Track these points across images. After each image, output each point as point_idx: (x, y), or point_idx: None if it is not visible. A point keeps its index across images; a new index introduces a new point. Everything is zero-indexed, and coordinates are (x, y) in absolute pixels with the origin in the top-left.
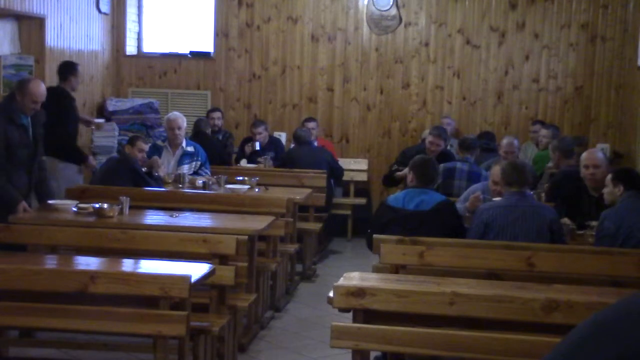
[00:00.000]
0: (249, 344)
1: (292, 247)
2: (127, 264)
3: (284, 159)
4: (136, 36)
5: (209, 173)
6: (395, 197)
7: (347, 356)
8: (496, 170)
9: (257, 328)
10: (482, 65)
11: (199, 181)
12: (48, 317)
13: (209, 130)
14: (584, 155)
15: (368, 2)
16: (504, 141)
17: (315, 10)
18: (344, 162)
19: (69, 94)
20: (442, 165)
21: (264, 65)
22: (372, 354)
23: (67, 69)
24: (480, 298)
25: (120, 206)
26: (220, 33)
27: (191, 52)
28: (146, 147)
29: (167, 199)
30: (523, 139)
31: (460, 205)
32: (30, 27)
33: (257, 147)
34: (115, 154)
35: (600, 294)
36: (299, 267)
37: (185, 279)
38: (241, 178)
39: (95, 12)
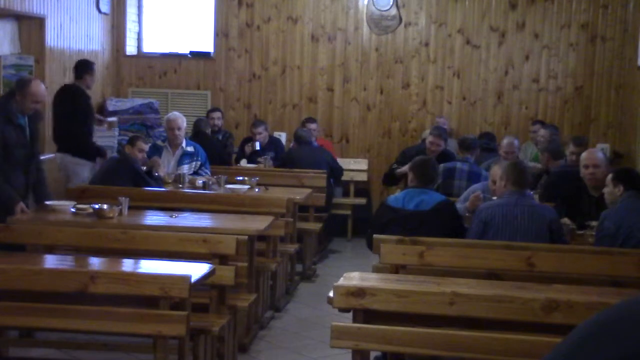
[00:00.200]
0: (250, 344)
1: (292, 247)
2: (127, 264)
3: (284, 159)
4: (136, 36)
5: (209, 173)
6: (395, 197)
7: (347, 356)
8: (496, 170)
9: (257, 328)
10: (482, 65)
11: (199, 181)
12: (48, 317)
13: (208, 130)
14: (584, 155)
15: (368, 2)
16: (504, 141)
17: (315, 10)
18: (344, 162)
19: (84, 91)
20: (442, 165)
21: (264, 65)
22: (372, 354)
23: (83, 67)
24: (480, 298)
25: (120, 207)
26: (220, 33)
27: (191, 52)
28: (146, 147)
29: (167, 199)
30: (523, 139)
31: (460, 205)
32: (30, 27)
33: (257, 147)
34: (115, 154)
35: (600, 294)
36: (299, 267)
37: (185, 279)
38: (241, 178)
39: (95, 12)
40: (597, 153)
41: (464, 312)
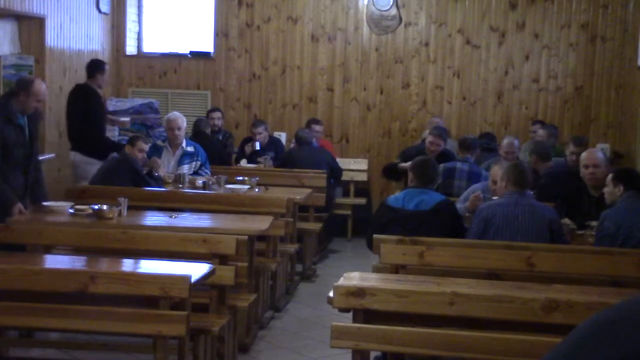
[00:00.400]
0: (251, 344)
1: (292, 247)
2: (127, 264)
3: (284, 159)
4: (136, 36)
5: (209, 173)
6: (395, 197)
7: (347, 356)
8: (496, 170)
9: (257, 328)
10: (482, 65)
11: (199, 181)
12: (48, 317)
13: (208, 130)
14: (584, 155)
15: (368, 2)
16: (505, 141)
17: (315, 10)
18: (344, 162)
19: (96, 91)
20: (442, 165)
21: (264, 65)
22: (372, 354)
23: (94, 66)
24: (480, 298)
25: (119, 207)
26: (220, 33)
27: (191, 52)
28: (146, 147)
29: (167, 199)
30: (523, 139)
31: (460, 205)
32: (30, 27)
33: (257, 147)
34: (115, 154)
35: (600, 294)
36: (299, 267)
37: (185, 279)
38: (241, 178)
39: (95, 12)
40: (597, 153)
41: (464, 312)
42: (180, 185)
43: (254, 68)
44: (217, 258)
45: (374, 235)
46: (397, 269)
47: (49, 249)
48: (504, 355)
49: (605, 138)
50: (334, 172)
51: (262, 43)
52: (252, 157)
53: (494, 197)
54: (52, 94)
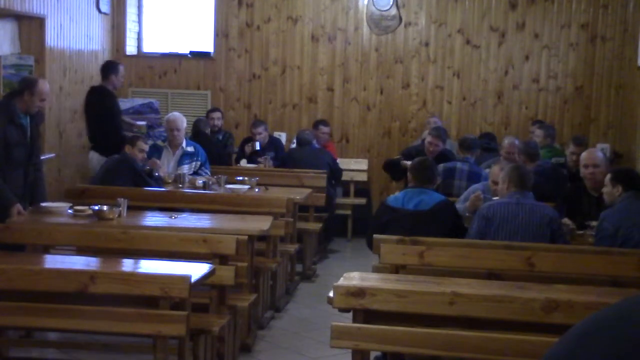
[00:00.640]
0: (252, 344)
1: (292, 247)
2: (127, 264)
3: (285, 159)
4: (136, 36)
5: (208, 173)
6: (395, 197)
7: (347, 356)
8: (496, 170)
9: (257, 328)
10: (482, 65)
11: (199, 181)
12: (48, 317)
13: (208, 131)
14: (584, 155)
15: (368, 2)
16: (505, 141)
17: (315, 10)
18: (344, 162)
19: (111, 91)
20: (442, 165)
21: (264, 65)
22: (372, 354)
23: (109, 68)
24: (480, 298)
25: (119, 208)
26: (220, 33)
27: (191, 52)
28: (146, 147)
29: (167, 199)
30: (523, 139)
31: (460, 205)
32: (30, 27)
33: (257, 147)
34: (115, 154)
35: (600, 294)
36: (299, 267)
37: (185, 279)
38: (241, 178)
39: (95, 12)
40: (596, 153)
41: (464, 312)
42: (180, 185)
43: (254, 68)
44: (217, 258)
45: (374, 235)
46: (397, 269)
47: (48, 249)
48: (504, 355)
49: (605, 138)
50: (334, 173)
51: (262, 43)
52: (252, 157)
53: (495, 198)
54: (52, 93)
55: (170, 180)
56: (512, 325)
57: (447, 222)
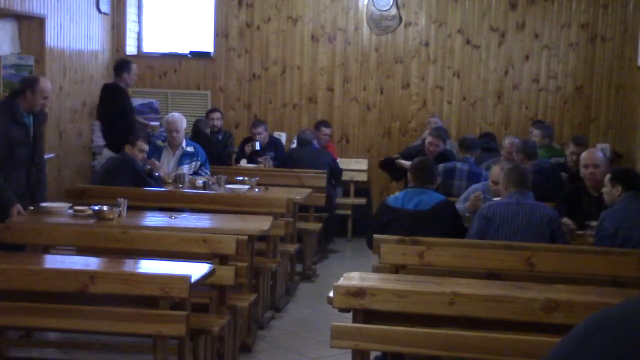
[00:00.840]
0: (252, 344)
1: (292, 247)
2: (127, 264)
3: (285, 159)
4: (136, 36)
5: (208, 173)
6: (395, 197)
7: (347, 356)
8: (496, 170)
9: (257, 328)
10: (482, 65)
11: (199, 181)
12: (48, 317)
13: (208, 131)
14: (584, 155)
15: (368, 2)
16: (506, 141)
17: (315, 10)
18: (344, 162)
19: (123, 89)
20: (442, 165)
21: (264, 65)
22: (372, 354)
23: (121, 66)
24: (480, 298)
25: (119, 208)
26: (220, 33)
27: (191, 52)
28: (146, 147)
29: (167, 199)
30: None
31: (460, 205)
32: (30, 27)
33: (257, 147)
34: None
35: (600, 294)
36: (299, 267)
37: (185, 279)
38: (241, 178)
39: (95, 12)
40: (596, 153)
41: (464, 312)
42: (180, 185)
43: (254, 68)
44: (217, 258)
45: (374, 235)
46: (397, 269)
47: (48, 249)
48: (504, 355)
49: (605, 138)
50: (334, 173)
51: (262, 43)
52: (252, 157)
53: (495, 199)
54: (53, 93)
55: (170, 180)
56: (512, 325)
57: (447, 222)
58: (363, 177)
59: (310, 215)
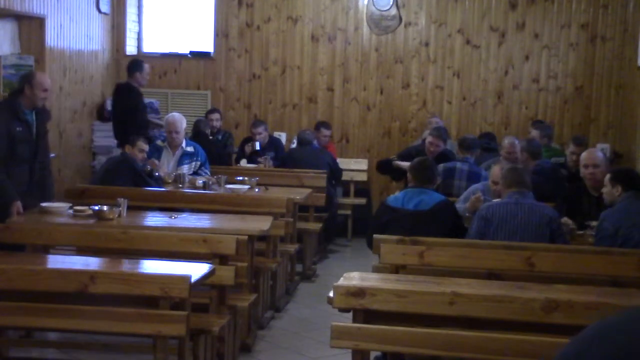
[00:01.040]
0: (252, 344)
1: (292, 247)
2: (127, 264)
3: (285, 159)
4: (136, 36)
5: (208, 173)
6: (395, 197)
7: (347, 356)
8: (496, 170)
9: (257, 328)
10: (482, 65)
11: (199, 181)
12: (48, 317)
13: (208, 131)
14: (584, 155)
15: (368, 2)
16: (506, 141)
17: (315, 10)
18: (344, 162)
19: (136, 88)
20: (442, 165)
21: (264, 65)
22: (372, 354)
23: (133, 66)
24: (480, 298)
25: (119, 208)
26: (220, 33)
27: (191, 52)
28: (146, 147)
29: (167, 199)
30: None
31: (460, 205)
32: (30, 27)
33: (257, 147)
34: (115, 154)
35: (600, 294)
36: (299, 267)
37: (185, 279)
38: (241, 178)
39: (95, 12)
40: (596, 153)
41: (464, 312)
42: (180, 185)
43: (254, 68)
44: (217, 258)
45: (374, 235)
46: (397, 269)
47: (48, 249)
48: (504, 355)
49: (605, 138)
50: (334, 173)
51: (262, 43)
52: (252, 157)
53: (495, 200)
54: (53, 94)
55: (170, 180)
56: (512, 325)
57: (447, 222)
58: (363, 177)
59: (310, 215)
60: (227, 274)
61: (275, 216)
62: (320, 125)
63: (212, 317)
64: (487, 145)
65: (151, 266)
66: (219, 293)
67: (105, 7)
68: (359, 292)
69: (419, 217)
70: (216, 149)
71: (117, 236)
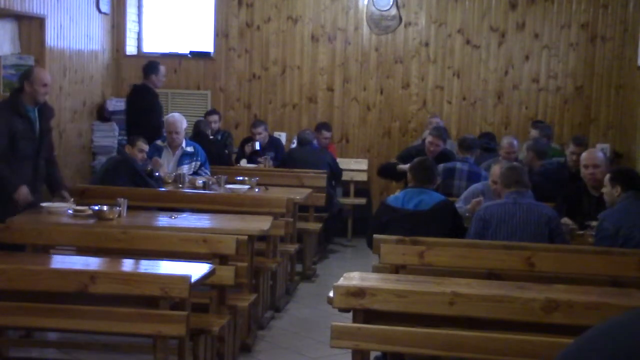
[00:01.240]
0: (252, 344)
1: (292, 247)
2: (127, 264)
3: (285, 159)
4: (136, 36)
5: (208, 173)
6: (395, 197)
7: (347, 356)
8: (496, 170)
9: (257, 328)
10: (482, 65)
11: (199, 181)
12: (48, 317)
13: (208, 131)
14: (584, 155)
15: (368, 2)
16: (504, 141)
17: (315, 10)
18: (344, 162)
19: (152, 89)
20: (442, 165)
21: (264, 65)
22: (372, 354)
23: (149, 67)
24: (480, 298)
25: (119, 208)
26: (220, 33)
27: (191, 52)
28: (146, 147)
29: (167, 199)
30: (523, 139)
31: (460, 205)
32: (30, 27)
33: (257, 147)
34: (115, 154)
35: (600, 294)
36: (299, 267)
37: (185, 279)
38: (241, 178)
39: (95, 12)
40: (597, 153)
41: (464, 312)
42: (180, 185)
43: (254, 68)
44: (217, 258)
45: (374, 235)
46: (397, 269)
47: (48, 249)
48: (504, 355)
49: (605, 138)
50: (335, 173)
51: (262, 43)
52: (252, 157)
53: (491, 202)
54: (52, 93)
55: (170, 180)
56: (512, 325)
57: (447, 222)
58: (363, 177)
59: (310, 215)
60: (227, 274)
61: (275, 216)
62: (321, 127)
63: (212, 317)
64: (487, 145)
65: (151, 266)
66: (219, 293)
67: (105, 7)
68: (359, 292)
69: (419, 217)
70: (216, 149)
71: (117, 236)
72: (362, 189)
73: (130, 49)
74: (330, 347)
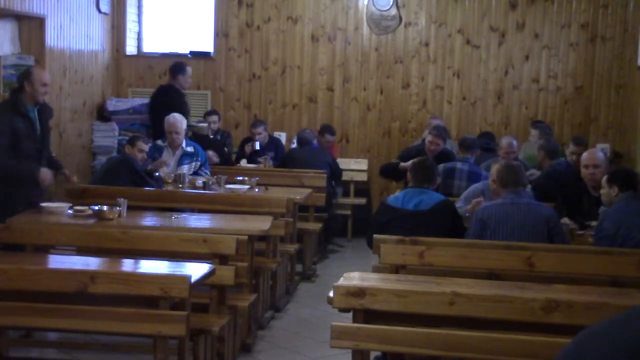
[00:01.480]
0: (252, 344)
1: (292, 247)
2: (127, 264)
3: (285, 159)
4: (136, 36)
5: (208, 173)
6: (395, 197)
7: (347, 356)
8: (495, 170)
9: (257, 328)
10: (482, 65)
11: (199, 181)
12: (48, 317)
13: (209, 132)
14: (584, 155)
15: (368, 2)
16: (504, 141)
17: (315, 10)
18: (344, 162)
19: (178, 90)
20: (442, 165)
21: (264, 65)
22: (372, 354)
23: (176, 68)
24: (480, 298)
25: (119, 208)
26: (220, 33)
27: (191, 52)
28: (146, 147)
29: (167, 199)
30: (523, 139)
31: (460, 205)
32: (30, 27)
33: (257, 147)
34: (115, 154)
35: (600, 294)
36: (299, 267)
37: (185, 279)
38: (241, 178)
39: (95, 12)
40: (597, 153)
41: (464, 312)
42: (180, 185)
43: (254, 68)
44: (217, 258)
45: (374, 235)
46: (397, 269)
47: (48, 249)
48: (504, 355)
49: (605, 138)
50: (335, 173)
51: (262, 43)
52: (252, 157)
53: (488, 203)
54: (52, 93)
55: (170, 180)
56: (512, 325)
57: (447, 222)
58: (363, 177)
59: (310, 215)
60: (227, 274)
61: (275, 216)
62: (325, 130)
63: (212, 317)
64: (486, 145)
65: (151, 266)
66: (219, 293)
67: (105, 7)
68: (359, 292)
69: (418, 217)
70: (216, 149)
71: (117, 236)
72: (362, 189)
73: (130, 49)
74: (330, 347)
